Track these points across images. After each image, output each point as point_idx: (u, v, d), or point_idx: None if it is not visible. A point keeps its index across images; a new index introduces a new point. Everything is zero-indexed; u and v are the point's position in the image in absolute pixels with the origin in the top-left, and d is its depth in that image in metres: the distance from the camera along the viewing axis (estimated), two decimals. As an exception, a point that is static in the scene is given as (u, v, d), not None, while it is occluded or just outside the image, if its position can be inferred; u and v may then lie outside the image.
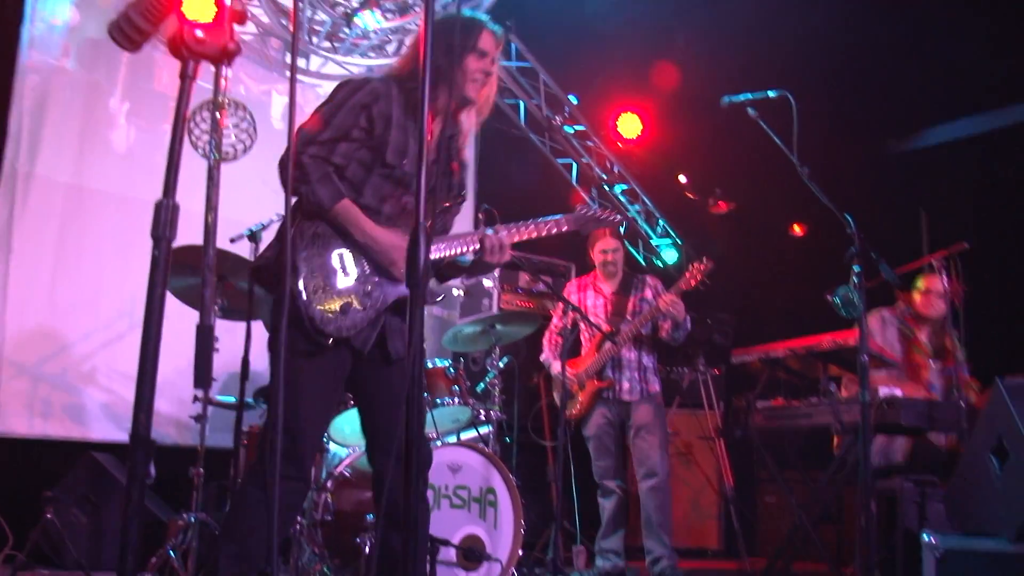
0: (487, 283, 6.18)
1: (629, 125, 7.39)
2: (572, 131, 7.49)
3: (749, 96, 3.22)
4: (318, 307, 2.53)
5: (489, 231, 2.74)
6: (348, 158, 2.65)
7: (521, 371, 6.09)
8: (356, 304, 2.58)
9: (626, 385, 5.13)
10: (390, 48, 6.49)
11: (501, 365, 4.74)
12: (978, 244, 4.64)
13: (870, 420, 4.30)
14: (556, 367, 5.26)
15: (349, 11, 6.00)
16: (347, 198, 2.61)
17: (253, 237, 3.97)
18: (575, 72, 7.29)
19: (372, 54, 6.46)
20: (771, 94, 3.16)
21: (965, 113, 6.84)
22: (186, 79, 1.41)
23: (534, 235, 2.86)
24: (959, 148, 6.84)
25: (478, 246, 2.75)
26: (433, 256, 2.70)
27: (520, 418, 5.82)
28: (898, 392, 4.43)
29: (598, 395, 5.17)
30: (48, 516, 4.19)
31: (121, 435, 5.10)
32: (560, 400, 5.28)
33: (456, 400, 4.23)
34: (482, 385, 4.66)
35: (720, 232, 7.84)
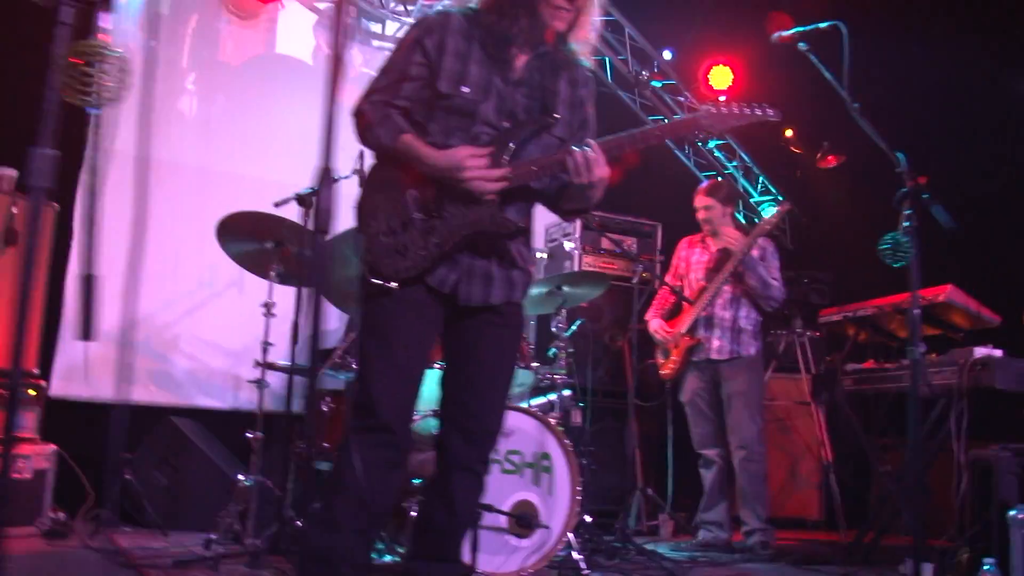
0: (568, 245, 6.02)
1: (720, 77, 7.04)
2: (661, 86, 7.20)
3: (800, 29, 2.96)
4: (377, 250, 2.50)
5: (577, 148, 2.49)
6: (412, 100, 2.56)
7: (604, 333, 5.93)
8: (418, 243, 2.50)
9: (716, 344, 4.95)
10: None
11: (574, 328, 4.59)
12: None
13: (964, 382, 3.99)
14: (652, 325, 5.17)
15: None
16: (409, 133, 2.53)
17: (302, 201, 3.93)
18: (662, 24, 6.98)
19: (447, 14, 6.35)
20: (822, 25, 2.89)
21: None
22: (59, 25, 1.35)
23: (641, 145, 2.57)
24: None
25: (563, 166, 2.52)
26: (516, 183, 2.54)
27: (597, 382, 5.66)
28: (997, 353, 4.05)
29: (689, 355, 5.01)
30: (127, 477, 4.37)
31: (202, 400, 5.27)
32: (661, 358, 5.16)
33: (519, 364, 4.09)
34: (553, 349, 4.52)
35: (827, 187, 7.43)
